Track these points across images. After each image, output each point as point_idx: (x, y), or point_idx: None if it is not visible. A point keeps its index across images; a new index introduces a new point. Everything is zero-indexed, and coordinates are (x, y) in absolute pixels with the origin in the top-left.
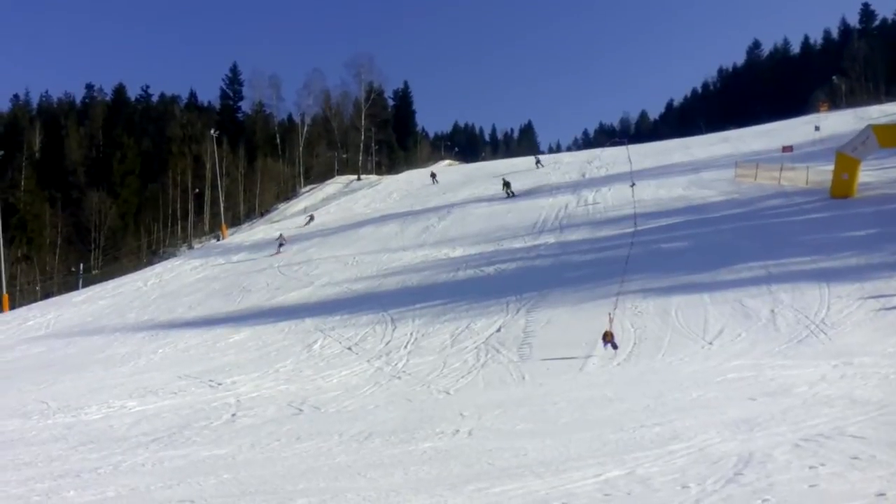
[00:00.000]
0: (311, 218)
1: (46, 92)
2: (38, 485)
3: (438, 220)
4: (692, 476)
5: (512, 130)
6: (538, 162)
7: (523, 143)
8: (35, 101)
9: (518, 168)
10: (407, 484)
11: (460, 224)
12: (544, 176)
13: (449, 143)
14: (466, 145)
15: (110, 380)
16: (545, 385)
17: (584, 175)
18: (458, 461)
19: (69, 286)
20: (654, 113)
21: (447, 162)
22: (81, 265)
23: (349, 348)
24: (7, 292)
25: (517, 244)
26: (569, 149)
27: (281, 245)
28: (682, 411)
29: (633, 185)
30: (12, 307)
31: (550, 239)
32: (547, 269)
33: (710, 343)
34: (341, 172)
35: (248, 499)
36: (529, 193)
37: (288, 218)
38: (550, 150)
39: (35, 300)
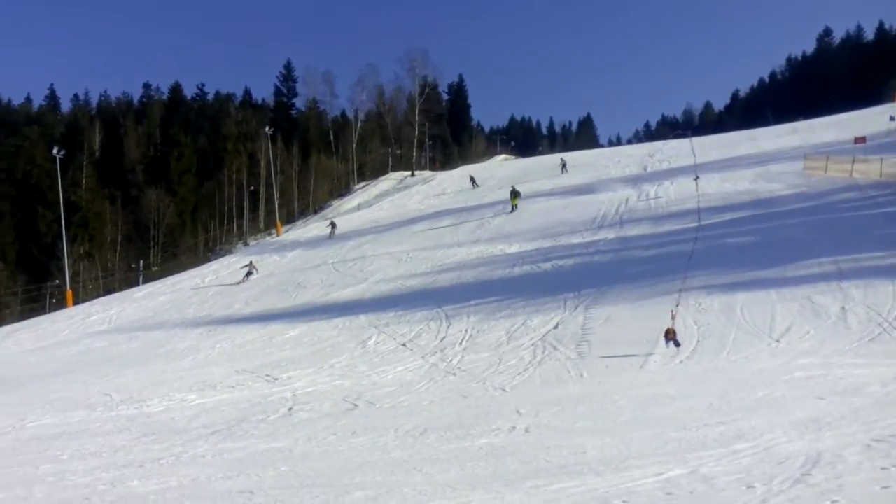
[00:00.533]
0: (334, 226)
1: (105, 92)
2: (104, 474)
3: (494, 215)
4: (758, 476)
5: (570, 123)
6: (564, 166)
7: (582, 136)
8: (95, 102)
9: (575, 162)
10: (463, 480)
11: (516, 219)
12: (604, 170)
13: (505, 137)
14: (523, 139)
15: (171, 373)
16: (604, 383)
17: (645, 168)
18: (514, 458)
19: (130, 282)
20: (719, 104)
21: (503, 157)
22: (141, 262)
23: (403, 344)
24: (71, 288)
25: (575, 240)
26: (629, 141)
27: (249, 273)
28: (747, 410)
29: (696, 178)
30: (76, 303)
31: (610, 234)
32: (606, 265)
33: (777, 341)
34: (395, 168)
35: (305, 491)
36: (588, 189)
37: (342, 215)
38: (610, 143)
39: (97, 296)
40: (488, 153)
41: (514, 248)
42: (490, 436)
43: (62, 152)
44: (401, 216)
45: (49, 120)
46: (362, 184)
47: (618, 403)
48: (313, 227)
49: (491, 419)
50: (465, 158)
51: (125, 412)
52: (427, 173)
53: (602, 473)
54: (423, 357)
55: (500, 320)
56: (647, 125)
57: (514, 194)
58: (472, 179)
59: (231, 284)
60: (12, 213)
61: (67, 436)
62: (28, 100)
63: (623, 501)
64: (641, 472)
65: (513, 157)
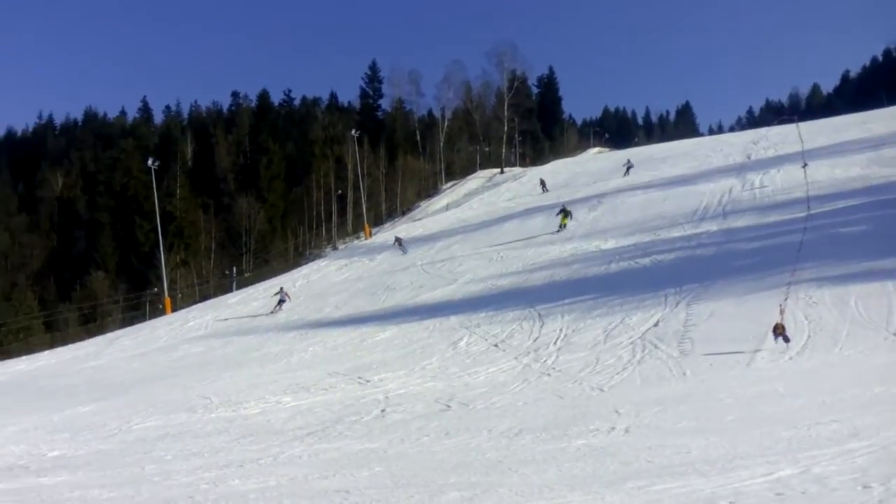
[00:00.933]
0: (399, 242)
1: (196, 102)
2: (206, 474)
3: (588, 210)
4: (874, 476)
5: (667, 112)
6: (628, 168)
7: (680, 125)
8: (186, 112)
9: (673, 152)
10: (561, 480)
11: (612, 214)
12: (705, 160)
13: (598, 130)
14: (617, 131)
15: (266, 377)
16: (708, 381)
17: (749, 157)
18: (614, 459)
19: (224, 289)
20: (828, 86)
21: (596, 149)
22: (234, 268)
23: (496, 345)
24: (169, 296)
25: (675, 233)
26: (732, 129)
27: (281, 301)
28: (862, 408)
29: (804, 165)
30: (174, 309)
31: (713, 226)
32: (709, 258)
33: (895, 334)
34: (483, 166)
35: (400, 491)
36: (689, 180)
37: (430, 216)
38: (711, 132)
39: (194, 302)
40: (581, 146)
41: (610, 244)
42: (588, 436)
43: (157, 163)
44: (490, 214)
45: (143, 132)
46: (450, 183)
47: (723, 402)
48: (402, 228)
49: (589, 419)
50: (557, 153)
51: (224, 414)
52: (517, 170)
53: (707, 474)
54: (516, 357)
55: (596, 318)
56: (749, 111)
57: (565, 213)
58: (542, 183)
59: (263, 315)
60: (112, 224)
61: (171, 437)
62: (123, 113)
63: (730, 502)
64: (749, 472)
65: (607, 149)
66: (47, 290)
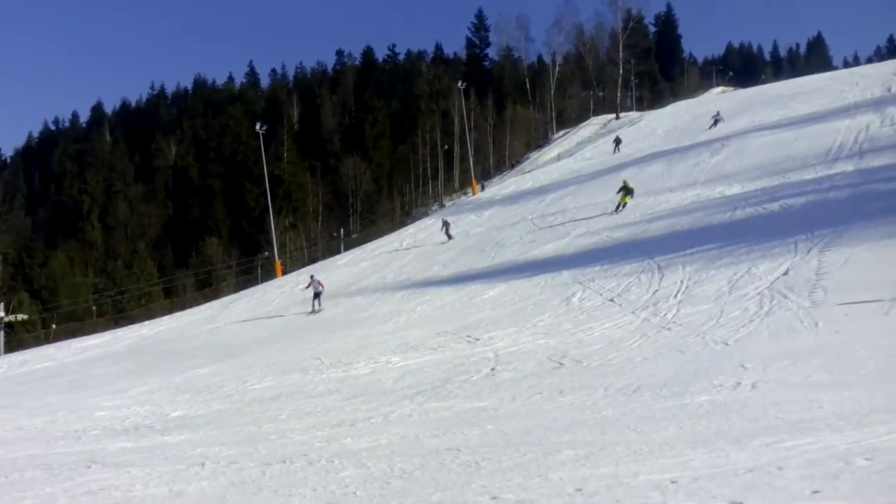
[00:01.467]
0: (447, 226)
1: (301, 64)
2: (319, 432)
3: (711, 154)
4: None
5: (797, 46)
6: (717, 118)
7: (812, 59)
8: (291, 75)
9: (804, 88)
10: (682, 438)
11: (737, 157)
12: (839, 95)
13: (721, 68)
14: (742, 68)
15: (375, 337)
16: (843, 332)
17: (889, 90)
18: (739, 415)
19: (332, 250)
20: None
21: (720, 89)
22: (342, 230)
23: (611, 300)
24: (279, 259)
25: (807, 175)
26: (870, 60)
27: (317, 297)
28: None
29: None
30: (284, 273)
31: (848, 167)
32: (844, 201)
33: None
34: (597, 113)
35: (512, 449)
36: (821, 117)
37: (540, 167)
38: (846, 65)
39: (303, 265)
40: (703, 87)
41: (735, 189)
42: (712, 392)
43: (264, 128)
44: (605, 164)
45: (250, 97)
46: (562, 132)
47: (859, 354)
48: (510, 182)
49: (712, 375)
50: (677, 95)
51: (335, 374)
52: (634, 114)
53: (841, 430)
54: (633, 312)
55: (720, 269)
56: (890, 40)
57: (626, 191)
58: (617, 142)
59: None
60: (223, 190)
61: (284, 397)
62: (230, 79)
63: (866, 459)
64: (887, 427)
65: (731, 88)
66: (165, 257)
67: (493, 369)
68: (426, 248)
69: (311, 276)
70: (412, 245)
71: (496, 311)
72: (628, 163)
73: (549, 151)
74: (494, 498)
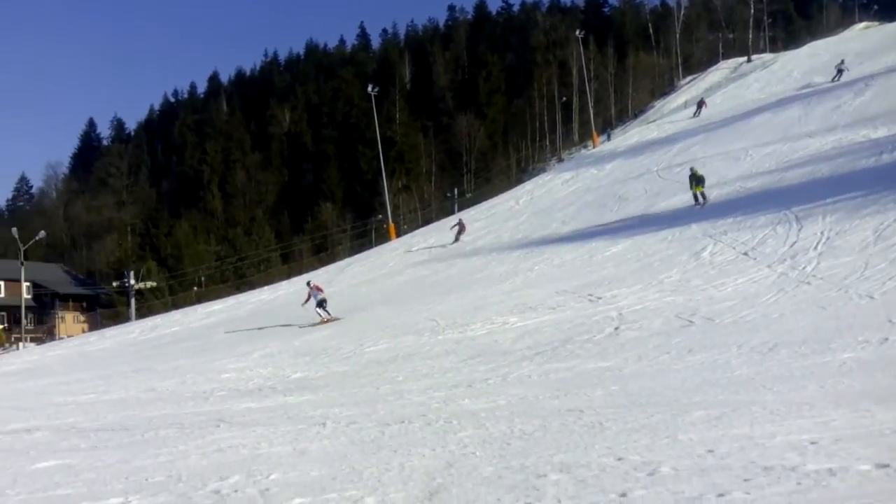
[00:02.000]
0: (461, 228)
1: (412, 22)
2: (436, 393)
3: (853, 96)
4: None
5: None
6: (840, 68)
7: None
8: (402, 33)
9: None
10: (823, 397)
11: (883, 97)
12: None
13: (865, 2)
14: (889, 1)
15: (491, 298)
16: None
17: None
18: (886, 373)
19: (445, 211)
20: None
21: (863, 25)
22: (456, 190)
23: (745, 253)
24: (393, 222)
25: None
26: None
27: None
28: None
29: None
30: (398, 235)
31: None
32: None
33: None
34: (727, 56)
35: (638, 409)
36: None
37: (666, 116)
38: None
39: (416, 227)
40: (844, 24)
41: (881, 132)
42: (855, 349)
43: (376, 89)
44: (736, 109)
45: (362, 58)
46: (688, 78)
47: None
48: (633, 133)
49: (856, 331)
50: (814, 33)
51: (451, 336)
52: (767, 56)
53: None
54: (768, 266)
55: (864, 218)
56: None
57: (696, 180)
58: (700, 105)
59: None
60: (336, 154)
61: (401, 359)
62: (342, 42)
63: None
64: None
65: (876, 23)
66: (282, 223)
67: (616, 328)
68: (544, 205)
69: (308, 283)
70: (528, 203)
71: (619, 269)
72: (762, 108)
73: (676, 99)
74: (620, 459)
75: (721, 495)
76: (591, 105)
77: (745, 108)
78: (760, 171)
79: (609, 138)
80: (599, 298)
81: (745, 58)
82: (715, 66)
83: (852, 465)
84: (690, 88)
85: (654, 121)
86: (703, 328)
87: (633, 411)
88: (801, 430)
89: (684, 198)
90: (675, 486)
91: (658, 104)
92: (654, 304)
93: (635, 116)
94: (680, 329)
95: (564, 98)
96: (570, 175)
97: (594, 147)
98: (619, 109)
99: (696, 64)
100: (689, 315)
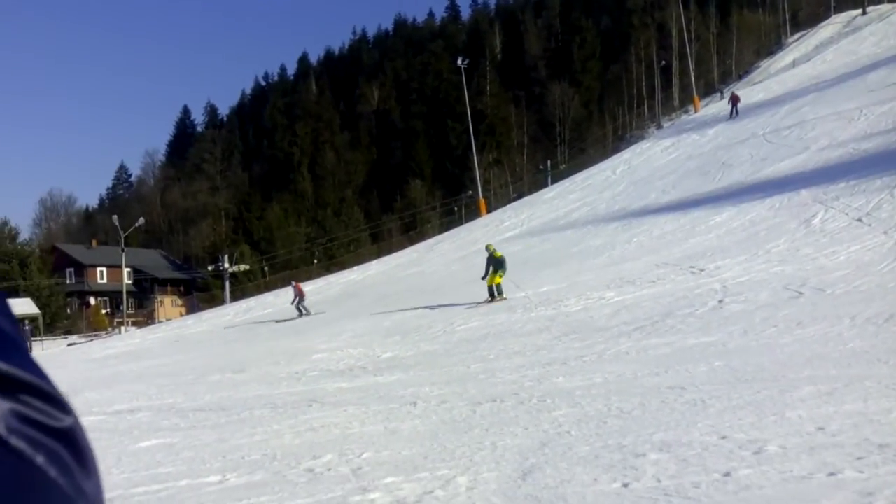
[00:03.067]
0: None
1: None
2: (529, 371)
3: None
4: None
5: None
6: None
7: None
8: (493, 3)
9: None
10: None
11: None
12: None
13: None
14: None
15: (586, 272)
16: None
17: None
18: None
19: (538, 184)
20: None
21: None
22: (549, 162)
23: (859, 219)
24: (483, 197)
25: None
26: None
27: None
28: None
29: None
30: (489, 210)
31: None
32: None
33: None
34: (839, 10)
35: (744, 386)
36: None
37: (772, 76)
38: None
39: (508, 202)
40: None
41: None
42: None
43: (466, 62)
44: (850, 66)
45: (451, 31)
46: (797, 35)
47: None
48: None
49: None
50: None
51: (544, 313)
52: (884, 7)
53: None
54: (884, 232)
55: None
56: None
57: (495, 264)
58: (734, 101)
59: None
60: (425, 131)
61: (493, 337)
62: (431, 15)
63: None
64: None
65: None
66: (371, 202)
67: (720, 301)
68: (642, 174)
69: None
70: (626, 172)
71: (723, 239)
72: (878, 63)
73: (783, 58)
74: (724, 437)
75: (832, 474)
76: (692, 68)
77: (858, 65)
78: (876, 130)
79: (722, 96)
80: (702, 270)
81: (860, 10)
82: (826, 21)
83: None
84: (800, 45)
85: (759, 81)
86: (812, 299)
87: (737, 388)
88: None
89: (794, 162)
90: (783, 465)
91: (764, 64)
92: (761, 275)
93: (740, 78)
94: (788, 301)
95: (664, 62)
96: (671, 142)
97: (696, 112)
98: (722, 71)
99: (805, 19)
100: (798, 286)
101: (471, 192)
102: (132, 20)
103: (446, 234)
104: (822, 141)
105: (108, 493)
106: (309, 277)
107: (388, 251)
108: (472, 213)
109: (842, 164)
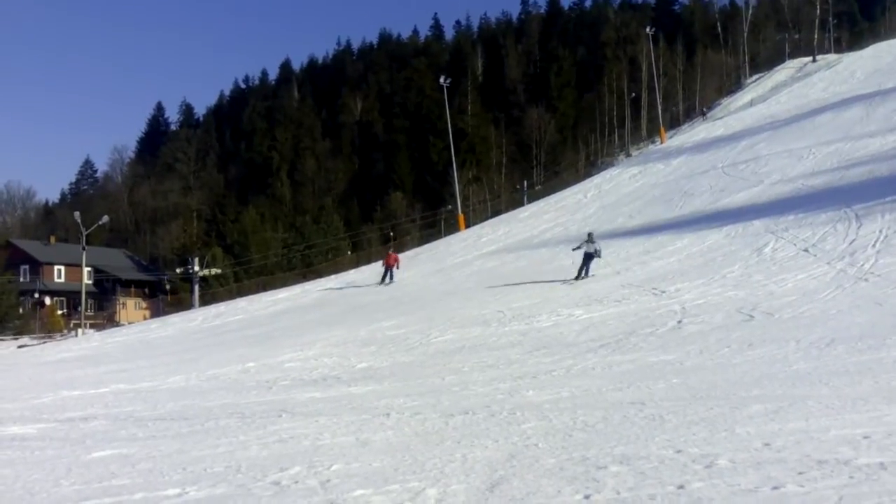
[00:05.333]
0: (389, 268)
1: (485, 14)
2: (501, 384)
3: None
4: None
5: None
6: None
7: None
8: (476, 26)
9: None
10: (877, 392)
11: None
12: None
13: None
14: None
15: (557, 290)
16: None
17: None
18: None
19: (515, 203)
20: None
21: None
22: (525, 182)
23: (805, 250)
24: (462, 212)
25: None
26: None
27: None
28: None
29: None
30: (468, 225)
31: None
32: None
33: None
34: (793, 56)
35: (699, 403)
36: None
37: (732, 113)
38: None
39: (486, 218)
40: None
41: None
42: None
43: (448, 80)
44: (800, 108)
45: (435, 49)
46: (755, 77)
47: None
48: (700, 129)
49: None
50: (878, 35)
51: (517, 327)
52: (831, 57)
53: None
54: (828, 263)
55: None
56: None
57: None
58: (388, 265)
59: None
60: (407, 144)
61: (467, 350)
62: (415, 32)
63: None
64: None
65: None
66: (351, 211)
67: (679, 322)
68: (611, 199)
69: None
70: (596, 196)
71: (683, 263)
72: (825, 107)
73: (742, 97)
74: (679, 451)
75: (776, 488)
76: (659, 101)
77: (809, 108)
78: (822, 169)
79: (706, 117)
80: (663, 292)
81: (811, 58)
82: (782, 65)
83: None
84: (757, 86)
85: (720, 118)
86: (763, 323)
87: (692, 404)
88: (854, 424)
89: (749, 194)
90: (732, 478)
91: (725, 101)
92: (716, 298)
93: (703, 114)
94: (741, 323)
95: (634, 94)
96: (638, 170)
97: (662, 143)
98: (686, 106)
99: (763, 63)
100: (749, 310)
101: (450, 206)
102: (106, 5)
103: (426, 246)
104: (775, 176)
105: None
106: (284, 284)
107: (368, 260)
108: (452, 228)
109: (792, 198)
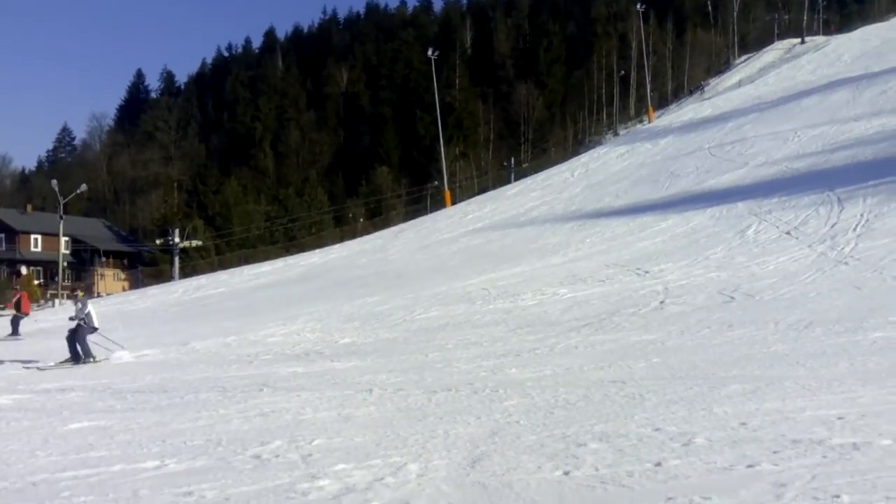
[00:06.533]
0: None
1: None
2: (484, 362)
3: None
4: None
5: None
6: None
7: None
8: None
9: None
10: (853, 374)
11: None
12: None
13: None
14: None
15: (543, 268)
16: None
17: None
18: None
19: (502, 180)
20: None
21: None
22: (512, 159)
23: (787, 232)
24: (448, 189)
25: None
26: None
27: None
28: None
29: None
30: (454, 202)
31: None
32: None
33: None
34: (782, 37)
35: (678, 382)
36: None
37: (720, 94)
38: None
39: (473, 195)
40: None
41: None
42: (887, 329)
43: (436, 53)
44: (788, 90)
45: (423, 21)
46: (744, 57)
47: None
48: (688, 109)
49: (888, 311)
50: (866, 18)
51: (501, 305)
52: (820, 39)
53: None
54: (809, 246)
55: None
56: None
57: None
58: (701, 86)
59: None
60: (394, 118)
61: (451, 327)
62: (403, 3)
63: None
64: None
65: None
66: (336, 185)
67: (661, 302)
68: (598, 178)
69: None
70: (583, 175)
71: (668, 244)
72: (812, 90)
73: (730, 77)
74: (657, 430)
75: (750, 466)
76: (648, 80)
77: (796, 90)
78: (807, 152)
79: (702, 93)
80: (647, 272)
81: (799, 39)
82: (770, 46)
83: (875, 440)
84: (746, 67)
85: (708, 98)
86: (743, 304)
87: (672, 384)
88: (829, 405)
89: (734, 176)
90: (708, 456)
91: (713, 81)
92: (699, 279)
93: (691, 93)
94: (721, 305)
95: (623, 71)
96: (626, 149)
97: (650, 122)
98: (675, 85)
99: (752, 43)
100: (731, 291)
101: (437, 182)
102: None
103: (412, 222)
104: (760, 158)
105: (33, 478)
106: (267, 258)
107: (352, 235)
108: (438, 204)
109: (776, 180)
